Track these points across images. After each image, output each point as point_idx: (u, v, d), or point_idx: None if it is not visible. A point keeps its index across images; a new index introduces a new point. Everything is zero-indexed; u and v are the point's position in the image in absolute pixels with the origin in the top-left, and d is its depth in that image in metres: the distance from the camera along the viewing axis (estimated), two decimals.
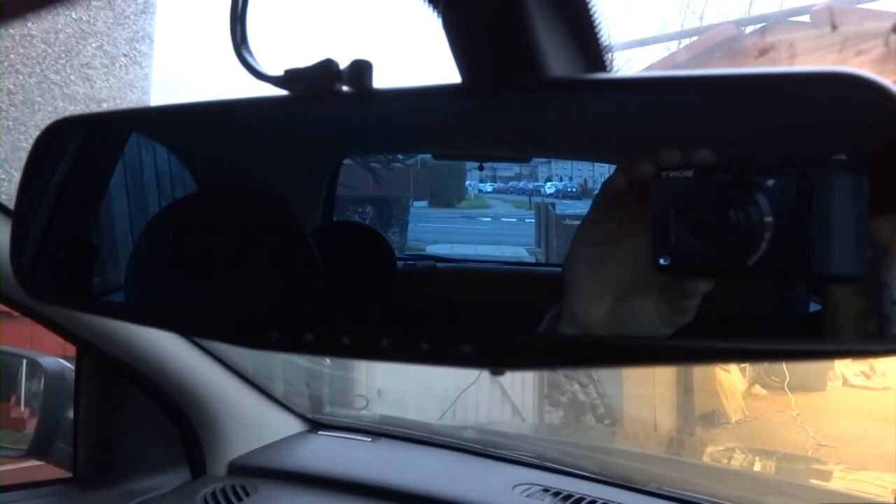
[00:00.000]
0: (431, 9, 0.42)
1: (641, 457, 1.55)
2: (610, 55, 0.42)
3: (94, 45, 2.95)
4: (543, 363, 0.46)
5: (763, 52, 3.25)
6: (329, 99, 0.43)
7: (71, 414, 1.36)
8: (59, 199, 0.68)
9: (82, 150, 0.71)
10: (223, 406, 1.43)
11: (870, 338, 0.39)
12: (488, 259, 1.26)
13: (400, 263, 1.16)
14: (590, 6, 0.40)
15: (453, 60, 0.42)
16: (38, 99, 2.78)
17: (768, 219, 0.40)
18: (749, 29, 4.42)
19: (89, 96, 2.89)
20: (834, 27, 3.05)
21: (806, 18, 4.16)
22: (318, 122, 0.71)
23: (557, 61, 0.41)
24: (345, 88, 0.42)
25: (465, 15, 0.41)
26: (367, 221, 1.25)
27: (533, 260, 1.32)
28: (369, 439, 1.49)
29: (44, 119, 2.74)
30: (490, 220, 1.43)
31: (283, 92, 0.44)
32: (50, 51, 2.83)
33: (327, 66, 0.42)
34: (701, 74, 0.42)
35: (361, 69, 0.42)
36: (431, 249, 1.27)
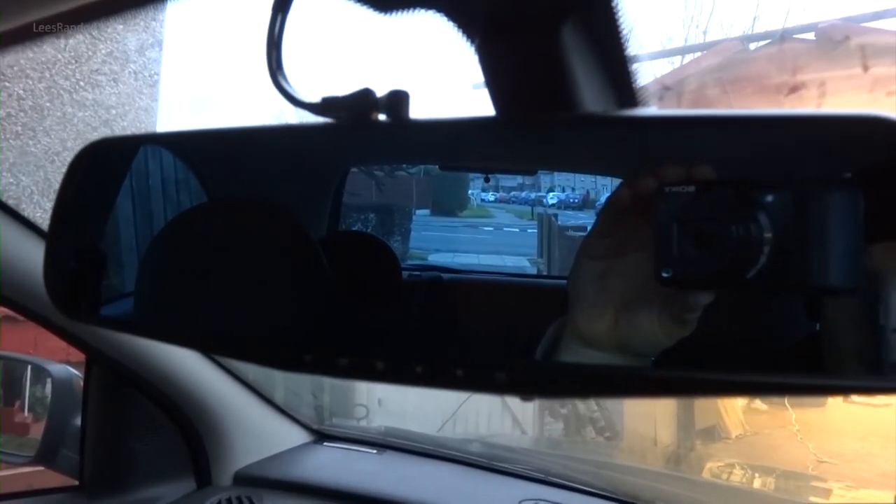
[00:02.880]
0: (468, 42, 0.42)
1: (646, 473, 1.55)
2: (640, 86, 0.43)
3: (103, 51, 2.96)
4: (577, 392, 0.47)
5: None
6: (366, 128, 0.44)
7: (78, 421, 1.37)
8: (73, 212, 0.68)
9: (97, 164, 0.72)
10: (229, 416, 1.43)
11: (872, 372, 0.40)
12: (491, 270, 1.26)
13: (405, 274, 1.16)
14: (623, 41, 0.41)
15: (487, 91, 0.43)
16: (48, 104, 2.79)
17: (767, 234, 0.41)
18: (753, 45, 4.44)
19: (98, 102, 2.90)
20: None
21: (811, 36, 4.18)
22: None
23: (589, 93, 0.42)
24: (382, 118, 0.43)
25: (501, 49, 0.41)
26: (370, 229, 1.25)
27: (535, 271, 1.32)
28: (375, 451, 1.49)
29: (52, 124, 2.75)
30: (492, 229, 1.43)
31: (317, 119, 0.45)
32: (59, 56, 2.84)
33: (365, 96, 0.42)
34: (734, 114, 0.43)
35: (399, 99, 0.42)
36: (434, 258, 1.27)
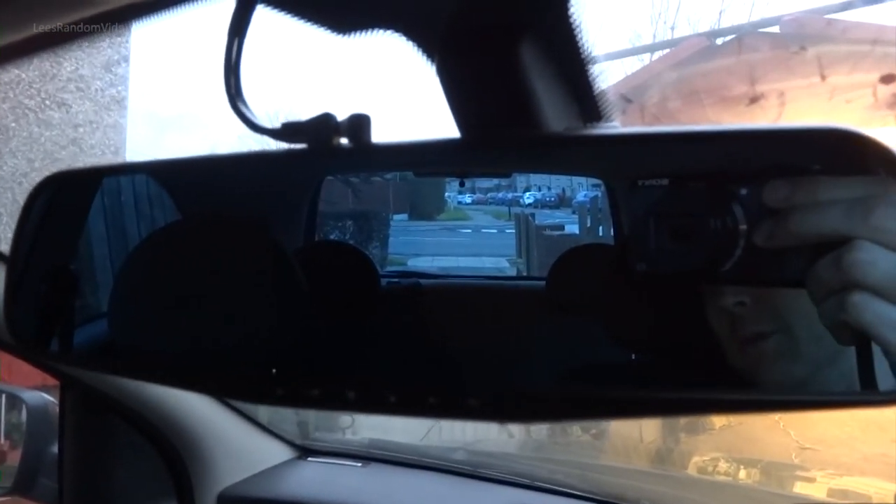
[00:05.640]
0: (428, 61, 0.42)
1: (632, 473, 1.56)
2: (603, 100, 0.43)
3: (69, 68, 2.92)
4: (549, 417, 0.47)
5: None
6: (328, 153, 0.43)
7: (55, 449, 1.34)
8: (40, 238, 0.67)
9: (63, 191, 0.70)
10: (211, 435, 1.41)
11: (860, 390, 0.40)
12: (471, 274, 1.26)
13: (384, 281, 1.15)
14: (584, 56, 0.41)
15: (449, 110, 0.42)
16: (13, 125, 2.74)
17: (742, 226, 0.41)
18: (720, 41, 4.49)
19: (65, 121, 2.85)
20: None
21: (776, 29, 4.24)
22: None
23: (551, 108, 0.42)
24: (343, 142, 0.42)
25: (460, 67, 0.41)
26: (348, 236, 1.24)
27: (514, 271, 1.32)
28: (359, 464, 1.48)
29: (18, 145, 2.71)
30: (470, 231, 1.43)
31: (280, 145, 0.44)
32: (24, 75, 2.79)
33: (326, 120, 0.42)
34: (699, 130, 0.43)
35: (360, 123, 0.42)
36: (413, 263, 1.27)
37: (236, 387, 0.48)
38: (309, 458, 1.53)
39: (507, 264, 1.33)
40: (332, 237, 1.27)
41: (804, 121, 0.39)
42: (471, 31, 0.39)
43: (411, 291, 1.13)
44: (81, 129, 2.90)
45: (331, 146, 0.42)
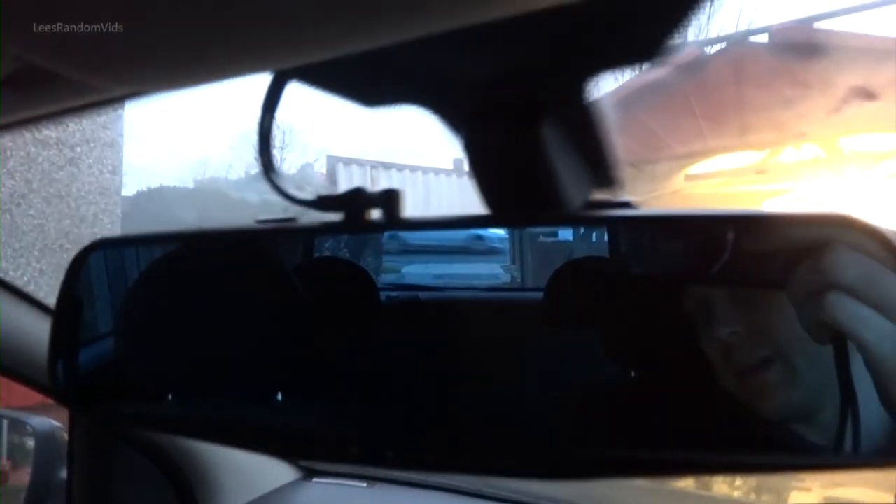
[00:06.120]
0: (454, 134, 0.44)
1: (632, 488, 1.58)
2: (616, 168, 0.46)
3: None
4: (587, 475, 0.48)
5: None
6: (361, 227, 0.46)
7: (63, 474, 1.36)
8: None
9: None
10: (216, 457, 1.42)
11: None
12: (467, 285, 1.27)
13: (382, 295, 1.16)
14: (600, 128, 0.43)
15: (475, 183, 0.45)
16: (10, 144, 2.74)
17: (731, 235, 0.46)
18: (710, 50, 4.53)
19: (61, 140, 2.85)
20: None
21: (764, 38, 4.29)
22: None
23: (569, 178, 0.44)
24: (376, 216, 0.45)
25: (485, 143, 0.43)
26: (343, 245, 1.26)
27: (508, 278, 1.34)
28: (364, 484, 1.49)
29: (16, 165, 2.70)
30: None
31: (311, 215, 0.46)
32: None
33: (359, 193, 0.44)
34: (713, 214, 0.46)
35: (392, 198, 0.44)
36: (407, 270, 1.28)
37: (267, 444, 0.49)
38: (314, 479, 1.54)
39: (500, 270, 1.35)
40: (326, 245, 1.28)
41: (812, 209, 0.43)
42: (494, 110, 0.42)
43: (410, 306, 1.14)
44: (79, 149, 2.89)
45: (364, 220, 0.44)
